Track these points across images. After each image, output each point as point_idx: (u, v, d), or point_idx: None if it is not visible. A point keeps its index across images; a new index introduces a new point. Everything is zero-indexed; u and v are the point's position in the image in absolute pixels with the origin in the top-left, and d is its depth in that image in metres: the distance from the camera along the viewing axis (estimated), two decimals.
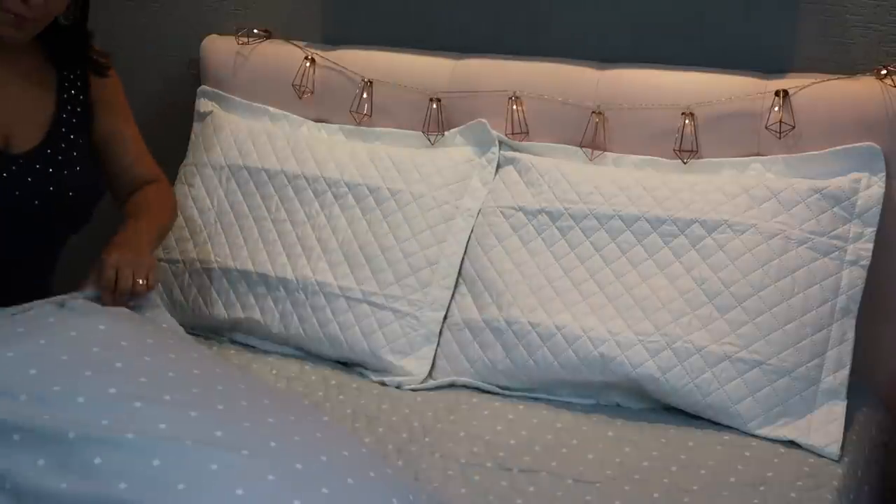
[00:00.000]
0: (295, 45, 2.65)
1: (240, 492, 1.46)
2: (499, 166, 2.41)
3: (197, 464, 1.49)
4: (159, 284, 2.34)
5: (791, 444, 2.05)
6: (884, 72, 2.21)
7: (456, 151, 2.45)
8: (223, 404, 1.62)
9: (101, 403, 1.57)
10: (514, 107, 2.43)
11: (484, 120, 2.44)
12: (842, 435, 2.04)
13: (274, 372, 2.29)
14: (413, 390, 2.24)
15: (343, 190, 2.41)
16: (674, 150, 2.33)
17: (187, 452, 1.50)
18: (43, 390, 1.59)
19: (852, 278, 2.14)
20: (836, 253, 2.15)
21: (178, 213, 2.41)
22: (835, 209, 2.16)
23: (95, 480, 1.47)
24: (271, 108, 2.62)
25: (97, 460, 1.49)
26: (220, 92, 2.66)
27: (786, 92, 2.25)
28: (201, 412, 1.58)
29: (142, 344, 1.76)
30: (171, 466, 1.48)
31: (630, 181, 2.27)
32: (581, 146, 2.39)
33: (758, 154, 2.29)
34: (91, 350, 1.69)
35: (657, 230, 2.20)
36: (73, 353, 1.68)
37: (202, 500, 1.45)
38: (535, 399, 2.21)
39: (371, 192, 2.39)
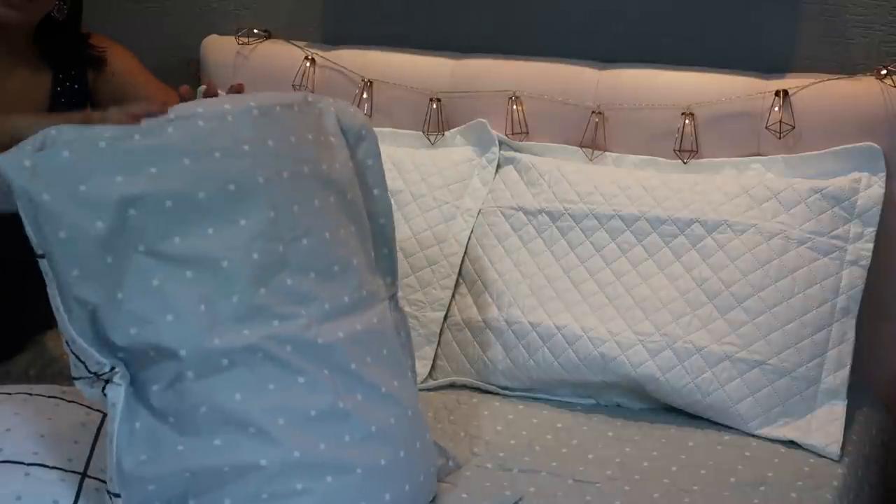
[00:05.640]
0: (295, 45, 2.65)
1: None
2: (499, 166, 2.40)
3: None
4: None
5: (791, 444, 2.05)
6: (884, 72, 2.21)
7: (456, 151, 2.45)
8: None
9: None
10: (514, 107, 2.43)
11: (484, 120, 2.44)
12: (842, 435, 2.04)
13: None
14: None
15: None
16: (674, 150, 2.33)
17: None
18: None
19: (852, 278, 2.14)
20: (837, 253, 2.15)
21: None
22: (835, 209, 2.16)
23: None
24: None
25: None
26: (221, 92, 2.65)
27: (786, 92, 2.25)
28: None
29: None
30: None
31: (630, 181, 2.26)
32: (581, 146, 2.39)
33: (758, 154, 2.29)
34: None
35: (657, 230, 2.20)
36: None
37: None
38: (535, 399, 2.21)
39: None
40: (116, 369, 1.56)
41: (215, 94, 1.83)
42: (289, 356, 1.62)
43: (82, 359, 1.57)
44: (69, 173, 1.55)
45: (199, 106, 1.70)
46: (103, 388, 1.57)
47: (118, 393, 1.56)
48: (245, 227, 1.63)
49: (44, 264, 1.55)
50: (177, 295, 1.58)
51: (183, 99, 1.88)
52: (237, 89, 1.96)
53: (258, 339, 1.61)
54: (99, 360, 1.55)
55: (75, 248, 1.54)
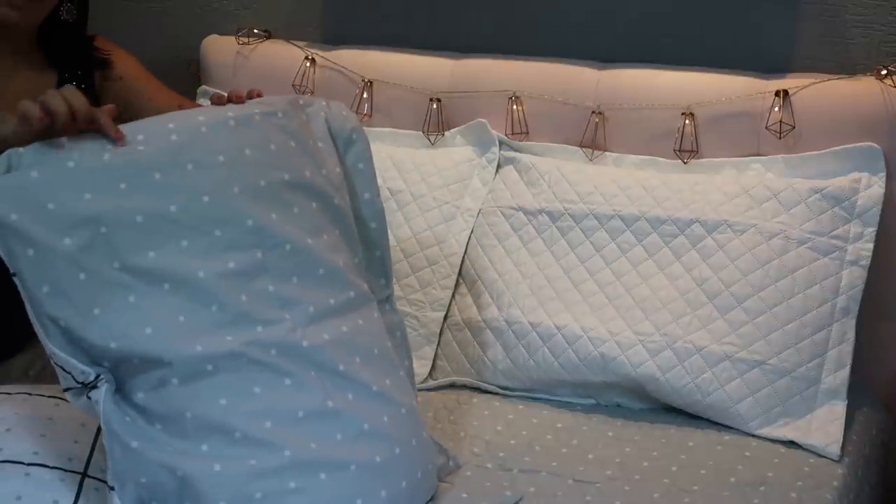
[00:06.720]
0: (295, 45, 2.65)
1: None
2: (499, 166, 2.40)
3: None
4: None
5: (791, 444, 2.05)
6: (884, 72, 2.22)
7: (456, 151, 2.45)
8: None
9: None
10: (514, 107, 2.44)
11: (484, 120, 2.44)
12: (842, 435, 2.05)
13: None
14: None
15: None
16: (674, 150, 2.33)
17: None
18: None
19: (852, 278, 2.14)
20: (837, 253, 2.15)
21: None
22: (835, 209, 2.16)
23: None
24: None
25: None
26: (221, 92, 2.65)
27: (786, 92, 2.25)
28: None
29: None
30: None
31: (630, 181, 2.27)
32: (581, 146, 2.39)
33: (758, 154, 2.29)
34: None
35: (657, 230, 2.20)
36: None
37: None
38: (535, 399, 2.21)
39: None
40: (102, 377, 1.57)
41: (223, 103, 1.84)
42: (274, 360, 1.64)
43: (67, 369, 1.57)
44: (37, 193, 1.57)
45: (172, 121, 1.71)
46: (89, 395, 1.58)
47: (100, 392, 1.57)
48: (220, 238, 1.65)
49: (17, 282, 1.57)
50: (154, 308, 1.59)
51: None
52: (257, 94, 1.95)
53: (241, 344, 1.62)
54: (83, 369, 1.57)
55: (44, 266, 1.56)
